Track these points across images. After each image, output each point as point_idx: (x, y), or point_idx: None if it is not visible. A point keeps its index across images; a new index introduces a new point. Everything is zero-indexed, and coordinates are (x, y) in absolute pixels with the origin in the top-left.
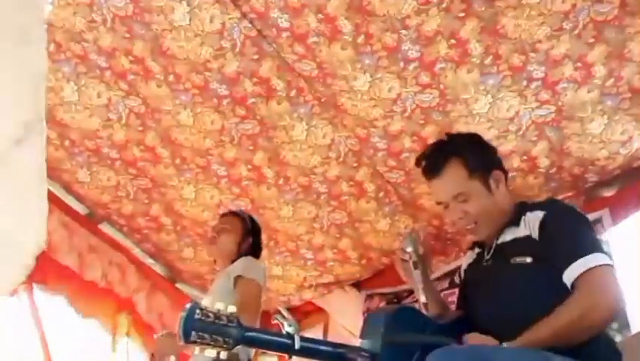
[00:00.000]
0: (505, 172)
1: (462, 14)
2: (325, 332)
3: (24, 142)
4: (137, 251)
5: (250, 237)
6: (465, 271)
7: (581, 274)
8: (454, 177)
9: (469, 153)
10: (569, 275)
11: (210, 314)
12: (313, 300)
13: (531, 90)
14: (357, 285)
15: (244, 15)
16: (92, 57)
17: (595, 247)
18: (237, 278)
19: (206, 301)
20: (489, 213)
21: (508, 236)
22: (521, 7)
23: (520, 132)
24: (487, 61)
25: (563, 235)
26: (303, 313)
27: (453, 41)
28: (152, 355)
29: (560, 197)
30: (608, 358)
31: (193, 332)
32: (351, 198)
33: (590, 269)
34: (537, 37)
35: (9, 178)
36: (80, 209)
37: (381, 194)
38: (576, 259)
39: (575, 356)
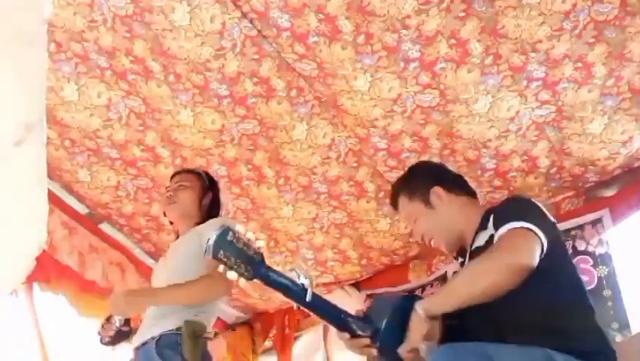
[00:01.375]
0: (451, 183)
1: (462, 14)
2: (325, 331)
3: (24, 142)
4: (137, 251)
5: (210, 192)
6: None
7: (501, 235)
8: (402, 206)
9: (408, 184)
10: (497, 235)
11: (241, 240)
12: None
13: (531, 90)
14: (357, 285)
15: (244, 15)
16: (92, 57)
17: (523, 216)
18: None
19: (239, 227)
20: (438, 226)
21: (479, 240)
22: (521, 7)
23: (521, 132)
24: (488, 61)
25: (502, 213)
26: (304, 312)
27: (453, 41)
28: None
29: (560, 197)
30: (604, 354)
31: (221, 251)
32: (351, 198)
33: (509, 230)
34: (537, 37)
35: (9, 178)
36: (80, 209)
37: (382, 194)
38: (505, 224)
39: (572, 353)
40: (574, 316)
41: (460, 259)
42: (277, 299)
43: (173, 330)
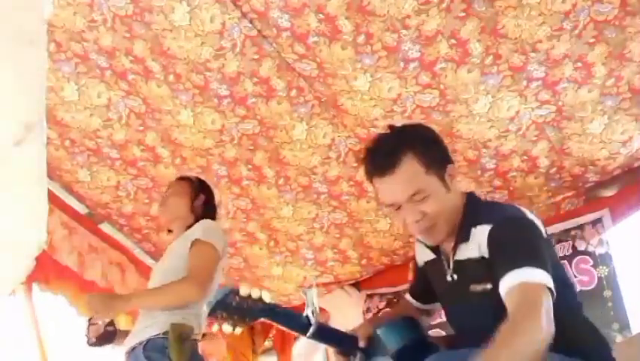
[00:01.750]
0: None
1: (462, 14)
2: None
3: (24, 142)
4: (137, 251)
5: (201, 195)
6: (424, 265)
7: (510, 289)
8: (410, 173)
9: (424, 145)
10: (502, 286)
11: (244, 302)
12: None
13: (531, 90)
14: (358, 285)
15: (244, 15)
16: (92, 57)
17: (533, 260)
18: (194, 242)
19: (243, 289)
20: (447, 212)
21: (462, 254)
22: (521, 7)
23: (521, 132)
24: (488, 61)
25: (502, 247)
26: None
27: (453, 41)
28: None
29: (560, 197)
30: (596, 349)
31: (218, 311)
32: (351, 198)
33: (524, 283)
34: (537, 37)
35: (9, 178)
36: (80, 209)
37: None
38: (511, 270)
39: (567, 350)
40: (565, 315)
41: (431, 255)
42: (277, 299)
43: (159, 334)
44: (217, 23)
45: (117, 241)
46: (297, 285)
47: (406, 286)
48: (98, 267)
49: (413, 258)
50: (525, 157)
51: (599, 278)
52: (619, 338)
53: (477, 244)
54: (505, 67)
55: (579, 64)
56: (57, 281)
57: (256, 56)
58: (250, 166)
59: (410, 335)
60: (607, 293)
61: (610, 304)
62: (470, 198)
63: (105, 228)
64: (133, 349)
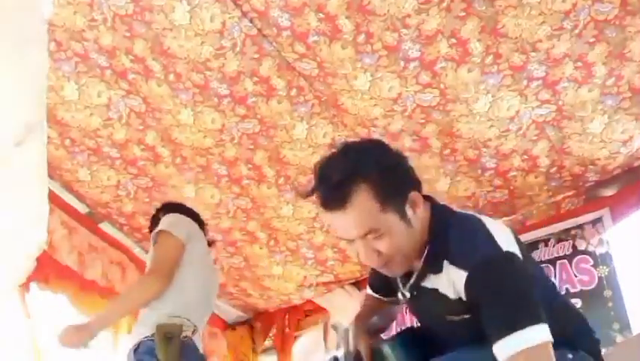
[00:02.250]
0: (420, 186)
1: (462, 13)
2: (326, 331)
3: (25, 142)
4: (137, 250)
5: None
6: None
7: (512, 357)
8: (363, 210)
9: (380, 174)
10: (500, 350)
11: None
12: (314, 299)
13: (531, 90)
14: (358, 284)
15: (244, 14)
16: (92, 56)
17: (529, 317)
18: (157, 234)
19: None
20: (407, 248)
21: (431, 283)
22: (522, 6)
23: (521, 132)
24: (488, 60)
25: (489, 304)
26: (304, 312)
27: (453, 41)
28: None
29: (560, 196)
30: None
31: None
32: None
33: (523, 351)
34: (537, 36)
35: (9, 178)
36: (81, 208)
37: None
38: (508, 334)
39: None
40: (555, 312)
41: (401, 295)
42: (277, 299)
43: (149, 336)
44: (217, 22)
45: (117, 241)
46: (297, 284)
47: None
48: (98, 266)
49: None
50: (525, 156)
51: (599, 278)
52: (619, 338)
53: (451, 283)
54: (505, 66)
55: (579, 63)
56: (57, 281)
57: (256, 56)
58: (250, 165)
59: (418, 352)
60: (607, 293)
61: (610, 304)
62: (436, 219)
63: (105, 227)
64: (128, 354)
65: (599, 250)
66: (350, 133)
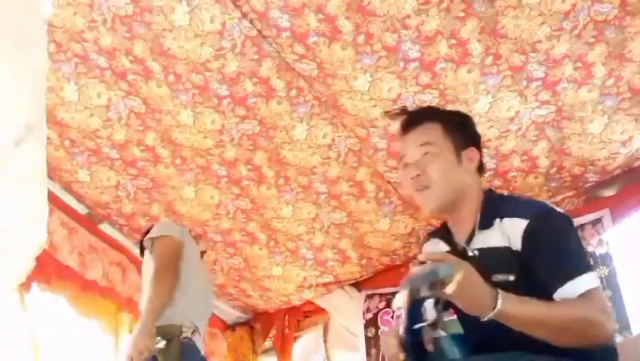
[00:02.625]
0: (481, 158)
1: (462, 14)
2: (325, 331)
3: (24, 143)
4: (136, 251)
5: None
6: None
7: (583, 294)
8: (429, 129)
9: (451, 120)
10: (565, 293)
11: None
12: (313, 300)
13: (531, 90)
14: (357, 285)
15: (244, 15)
16: (92, 57)
17: (589, 264)
18: (152, 242)
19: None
20: (449, 183)
21: (480, 242)
22: (521, 7)
23: (521, 132)
24: (488, 61)
25: (552, 251)
26: (304, 313)
27: (453, 41)
28: None
29: (560, 197)
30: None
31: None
32: (351, 198)
33: (590, 290)
34: (537, 37)
35: (9, 178)
36: (80, 209)
37: (381, 194)
38: (573, 277)
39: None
40: None
41: (444, 246)
42: (277, 299)
43: (157, 339)
44: (217, 23)
45: (117, 241)
46: (297, 285)
47: None
48: (98, 267)
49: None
50: (525, 157)
51: (599, 278)
52: (619, 339)
53: (505, 235)
54: (505, 67)
55: (579, 64)
56: (58, 281)
57: (256, 56)
58: (250, 166)
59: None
60: (607, 293)
61: (610, 304)
62: (490, 191)
63: (105, 228)
64: None
65: (599, 251)
66: (350, 134)
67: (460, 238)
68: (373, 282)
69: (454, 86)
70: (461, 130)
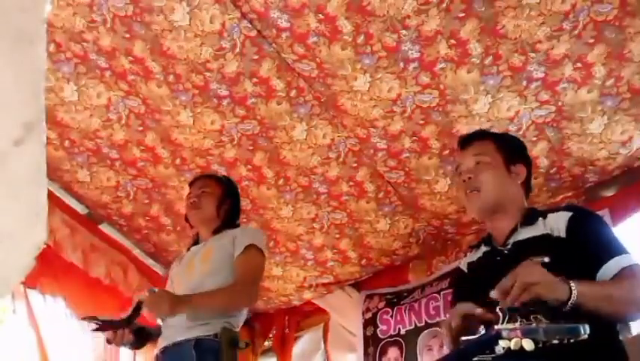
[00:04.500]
0: (530, 176)
1: (462, 14)
2: (325, 332)
3: (24, 143)
4: (136, 251)
5: (228, 199)
6: (469, 266)
7: (625, 268)
8: (482, 144)
9: (503, 140)
10: (609, 269)
11: None
12: (313, 300)
13: (531, 90)
14: (357, 285)
15: (244, 15)
16: (91, 57)
17: (627, 250)
18: (249, 247)
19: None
20: (498, 190)
21: (523, 235)
22: (521, 7)
23: (520, 132)
24: (487, 61)
25: (596, 234)
26: (303, 313)
27: (453, 41)
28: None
29: (559, 197)
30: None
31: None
32: (351, 199)
33: (632, 265)
34: (537, 37)
35: (9, 179)
36: (80, 209)
37: (381, 194)
38: (616, 255)
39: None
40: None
41: (484, 248)
42: (277, 300)
43: (210, 336)
44: (217, 24)
45: (117, 241)
46: (296, 285)
47: (405, 286)
48: (101, 266)
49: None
50: None
51: None
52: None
53: (548, 227)
54: (504, 67)
55: (579, 64)
56: (57, 282)
57: (256, 57)
58: (250, 166)
59: None
60: None
61: None
62: (533, 208)
63: (105, 228)
64: (175, 345)
65: None
66: (350, 134)
67: (499, 240)
68: (373, 282)
69: (454, 86)
70: (511, 147)
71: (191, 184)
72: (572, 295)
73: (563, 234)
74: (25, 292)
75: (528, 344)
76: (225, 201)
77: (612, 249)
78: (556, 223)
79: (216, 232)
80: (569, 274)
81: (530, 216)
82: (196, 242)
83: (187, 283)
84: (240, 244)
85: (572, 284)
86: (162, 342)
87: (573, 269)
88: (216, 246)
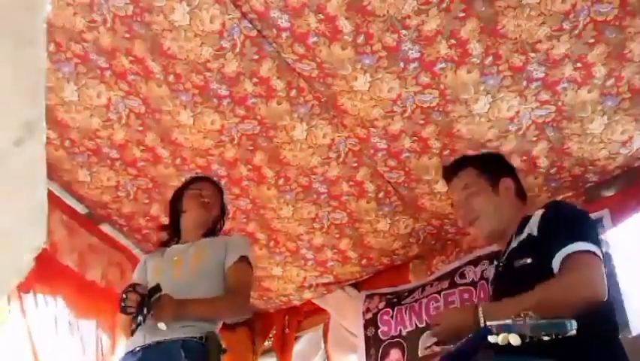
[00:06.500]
0: (518, 183)
1: (462, 14)
2: (325, 332)
3: (24, 142)
4: (137, 251)
5: (221, 213)
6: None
7: (566, 257)
8: (464, 175)
9: (483, 161)
10: (556, 263)
11: None
12: (313, 300)
13: (531, 90)
14: (357, 285)
15: (244, 15)
16: (92, 57)
17: (585, 235)
18: (242, 258)
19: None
20: (492, 210)
21: (514, 243)
22: (521, 7)
23: (521, 132)
24: (488, 61)
25: (557, 225)
26: (304, 313)
27: (453, 41)
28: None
29: (559, 197)
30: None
31: None
32: (351, 198)
33: (575, 253)
34: (537, 37)
35: (8, 178)
36: (80, 209)
37: (381, 194)
38: (562, 247)
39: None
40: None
41: (495, 262)
42: (277, 300)
43: (196, 338)
44: (217, 23)
45: (117, 241)
46: (296, 285)
47: (406, 286)
48: (98, 267)
49: None
50: (525, 157)
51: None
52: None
53: (529, 228)
54: (505, 67)
55: (579, 64)
56: (56, 282)
57: (256, 57)
58: (250, 166)
59: None
60: None
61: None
62: (529, 215)
63: (105, 228)
64: (158, 343)
65: None
66: (350, 134)
67: (491, 239)
68: (373, 282)
69: (454, 86)
70: (492, 166)
71: (197, 182)
72: (480, 320)
73: (536, 232)
74: (19, 295)
75: (514, 339)
76: (220, 214)
77: (560, 240)
78: (534, 223)
79: (206, 235)
80: (549, 273)
81: (522, 225)
82: (173, 240)
83: (173, 279)
84: (234, 252)
85: (479, 309)
86: (140, 340)
87: (549, 266)
88: (209, 249)
